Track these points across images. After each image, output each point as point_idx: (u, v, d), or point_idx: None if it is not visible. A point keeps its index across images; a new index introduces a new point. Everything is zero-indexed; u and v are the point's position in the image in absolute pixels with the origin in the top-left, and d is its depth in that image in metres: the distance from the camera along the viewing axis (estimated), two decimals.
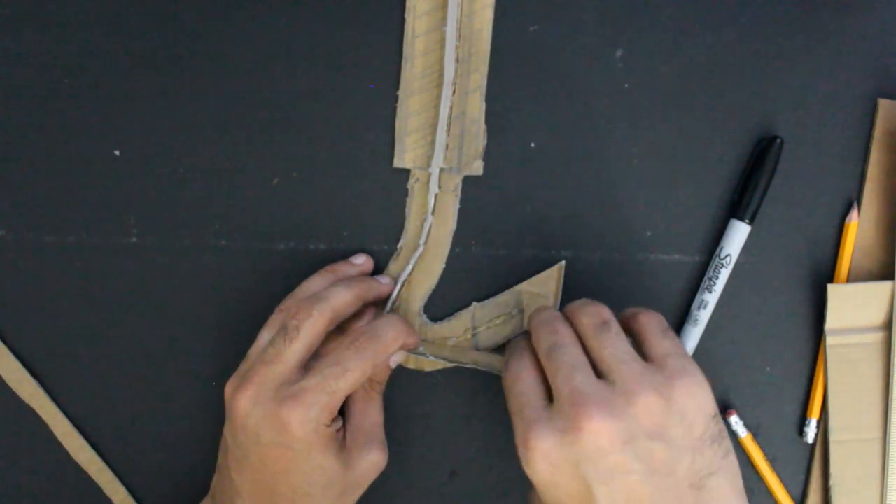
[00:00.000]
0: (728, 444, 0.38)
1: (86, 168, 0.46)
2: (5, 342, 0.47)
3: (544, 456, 0.36)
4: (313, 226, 0.47)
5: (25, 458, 0.47)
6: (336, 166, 0.47)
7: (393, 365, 0.45)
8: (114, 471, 0.47)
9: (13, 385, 0.47)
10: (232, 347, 0.47)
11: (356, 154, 0.47)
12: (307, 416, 0.39)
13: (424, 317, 0.47)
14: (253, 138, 0.47)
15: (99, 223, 0.47)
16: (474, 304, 0.47)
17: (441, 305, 0.48)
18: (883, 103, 0.48)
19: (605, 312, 0.40)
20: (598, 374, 0.38)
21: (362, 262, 0.46)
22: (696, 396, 0.37)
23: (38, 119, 0.46)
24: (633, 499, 0.36)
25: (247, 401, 0.40)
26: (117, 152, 0.47)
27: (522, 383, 0.40)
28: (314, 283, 0.45)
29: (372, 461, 0.42)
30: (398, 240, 0.47)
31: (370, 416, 0.44)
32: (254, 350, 0.43)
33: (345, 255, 0.47)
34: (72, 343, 0.47)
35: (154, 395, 0.47)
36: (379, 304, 0.47)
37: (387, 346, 0.42)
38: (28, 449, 0.47)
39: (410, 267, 0.47)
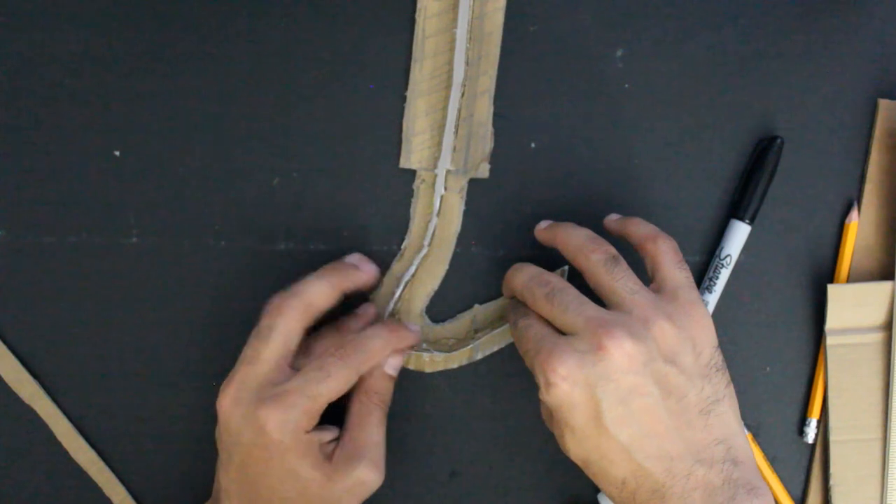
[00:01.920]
0: (728, 374, 0.40)
1: (86, 168, 0.46)
2: (5, 342, 0.47)
3: (565, 377, 0.37)
4: (313, 226, 0.47)
5: (25, 458, 0.47)
6: (336, 166, 0.47)
7: (392, 372, 0.44)
8: (114, 471, 0.47)
9: (13, 385, 0.47)
10: (232, 347, 0.47)
11: (356, 154, 0.47)
12: (285, 418, 0.39)
13: (426, 318, 0.47)
14: (253, 138, 0.47)
15: (99, 223, 0.47)
16: (476, 305, 0.47)
17: (442, 306, 0.47)
18: (883, 103, 0.48)
19: (612, 248, 0.41)
20: (608, 306, 0.39)
21: (368, 267, 0.45)
22: (705, 328, 0.39)
23: (38, 119, 0.46)
24: (648, 420, 0.37)
25: (228, 401, 0.40)
26: (117, 152, 0.47)
27: (534, 327, 0.40)
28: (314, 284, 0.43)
29: (358, 478, 0.40)
30: (399, 240, 0.47)
31: (366, 431, 0.42)
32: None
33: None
34: (72, 343, 0.47)
35: (154, 395, 0.47)
36: (380, 302, 0.46)
37: (371, 356, 0.42)
38: (28, 449, 0.47)
39: (414, 268, 0.47)
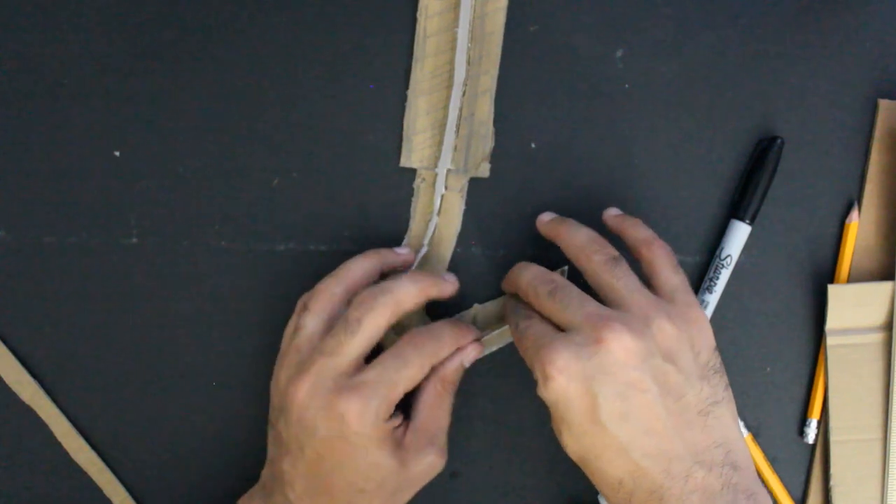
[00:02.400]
0: (726, 377, 0.40)
1: (86, 168, 0.46)
2: (5, 342, 0.47)
3: (561, 370, 0.37)
4: (313, 226, 0.47)
5: (25, 458, 0.47)
6: (336, 166, 0.47)
7: (466, 364, 0.44)
8: (114, 471, 0.47)
9: (13, 385, 0.47)
10: (232, 347, 0.47)
11: (356, 154, 0.47)
12: (366, 408, 0.39)
13: (426, 318, 0.47)
14: (253, 138, 0.47)
15: (99, 223, 0.47)
16: (476, 305, 0.47)
17: (442, 306, 0.47)
18: (883, 103, 0.48)
19: (614, 250, 0.41)
20: (608, 305, 0.39)
21: (406, 252, 0.46)
22: (703, 330, 0.39)
23: (38, 119, 0.46)
24: (647, 417, 0.37)
25: (304, 393, 0.39)
26: (117, 153, 0.47)
27: (534, 327, 0.40)
28: (357, 265, 0.43)
29: (428, 463, 0.41)
30: (399, 241, 0.47)
31: (436, 417, 0.43)
32: (303, 341, 0.41)
33: (345, 256, 0.46)
34: (72, 343, 0.47)
35: (154, 395, 0.47)
36: None
37: (443, 346, 0.42)
38: (28, 449, 0.47)
39: (414, 267, 0.47)
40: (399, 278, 0.42)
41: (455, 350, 0.43)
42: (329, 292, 0.42)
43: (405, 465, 0.41)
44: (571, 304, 0.39)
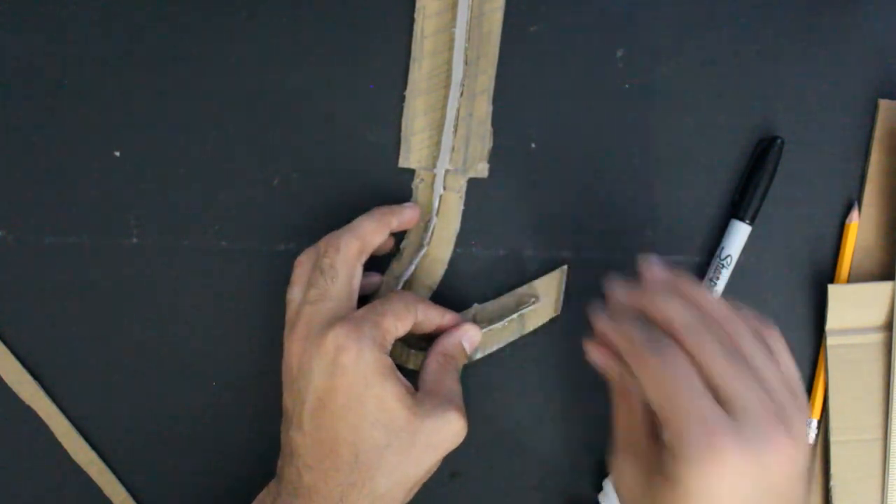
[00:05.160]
0: None
1: (86, 168, 0.46)
2: (5, 342, 0.47)
3: (727, 465, 0.32)
4: (314, 226, 0.47)
5: (25, 458, 0.47)
6: (336, 166, 0.47)
7: (467, 345, 0.44)
8: (114, 471, 0.47)
9: (13, 385, 0.47)
10: (232, 347, 0.47)
11: (357, 154, 0.47)
12: (358, 332, 0.38)
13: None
14: (253, 138, 0.47)
15: (99, 223, 0.47)
16: (475, 305, 0.47)
17: (441, 306, 0.47)
18: (883, 103, 0.47)
19: (731, 322, 0.36)
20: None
21: (410, 206, 0.46)
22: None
23: (39, 119, 0.46)
24: None
25: (298, 342, 0.39)
26: (117, 153, 0.47)
27: (692, 383, 0.34)
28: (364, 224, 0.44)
29: (447, 420, 0.39)
30: (400, 240, 0.47)
31: (444, 382, 0.42)
32: (292, 309, 0.42)
33: None
34: (72, 343, 0.47)
35: (154, 395, 0.47)
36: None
37: (426, 302, 0.43)
38: (28, 449, 0.47)
39: (413, 267, 0.47)
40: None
41: (454, 329, 0.44)
42: (308, 264, 0.43)
43: (417, 416, 0.38)
44: (754, 386, 0.34)
